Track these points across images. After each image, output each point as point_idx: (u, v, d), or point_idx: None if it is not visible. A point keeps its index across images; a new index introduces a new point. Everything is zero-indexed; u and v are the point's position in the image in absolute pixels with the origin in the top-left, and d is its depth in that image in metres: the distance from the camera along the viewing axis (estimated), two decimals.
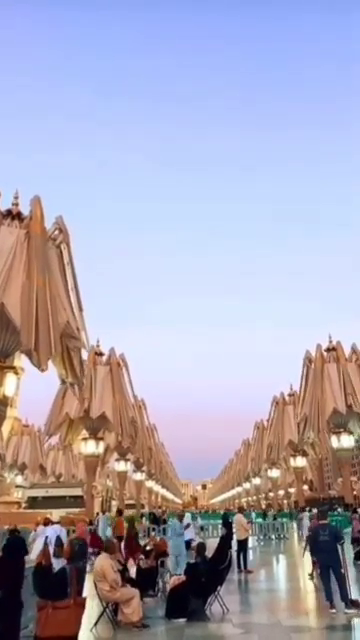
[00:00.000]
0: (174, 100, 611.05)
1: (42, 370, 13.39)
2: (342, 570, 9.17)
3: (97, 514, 28.19)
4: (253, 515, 33.60)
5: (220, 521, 24.78)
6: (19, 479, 50.17)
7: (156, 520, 30.60)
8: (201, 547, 10.40)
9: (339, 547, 9.29)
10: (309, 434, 32.40)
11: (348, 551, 12.35)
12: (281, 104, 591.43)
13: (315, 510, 27.32)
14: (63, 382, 16.86)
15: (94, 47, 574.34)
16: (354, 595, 9.33)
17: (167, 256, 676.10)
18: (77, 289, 15.55)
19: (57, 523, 13.78)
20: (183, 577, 9.60)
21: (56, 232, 15.68)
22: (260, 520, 30.82)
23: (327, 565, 9.24)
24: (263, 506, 59.79)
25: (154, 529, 24.58)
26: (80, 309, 15.45)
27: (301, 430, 33.19)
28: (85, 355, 19.26)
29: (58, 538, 10.52)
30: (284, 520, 30.83)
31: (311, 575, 13.23)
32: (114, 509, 50.23)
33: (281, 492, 62.24)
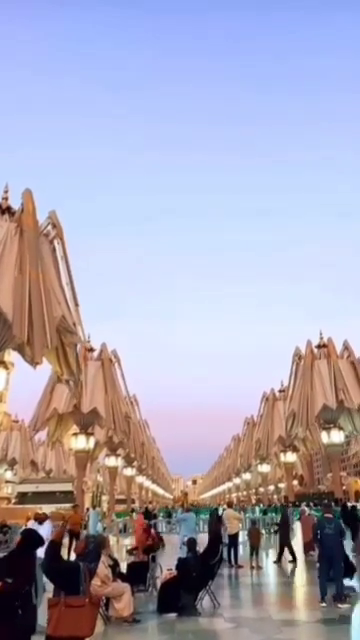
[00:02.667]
0: (175, 95, 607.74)
1: (36, 364, 13.19)
2: (342, 564, 9.22)
3: (87, 509, 28.15)
4: (257, 510, 33.66)
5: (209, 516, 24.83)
6: (8, 474, 49.95)
7: (148, 515, 30.58)
8: (192, 542, 10.40)
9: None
10: (297, 430, 32.48)
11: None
12: (293, 97, 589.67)
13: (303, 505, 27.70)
14: (59, 379, 16.66)
15: (96, 42, 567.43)
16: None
17: (163, 254, 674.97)
18: (72, 284, 15.39)
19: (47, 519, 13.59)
20: (175, 572, 9.60)
21: (49, 227, 15.49)
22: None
23: (329, 558, 9.28)
24: (253, 501, 60.06)
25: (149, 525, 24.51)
26: (76, 304, 15.31)
27: (289, 426, 33.25)
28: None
29: None
30: (274, 515, 31.00)
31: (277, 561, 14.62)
32: (105, 504, 50.31)
33: (271, 487, 62.57)
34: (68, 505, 29.92)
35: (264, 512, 31.64)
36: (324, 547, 9.43)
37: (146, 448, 49.92)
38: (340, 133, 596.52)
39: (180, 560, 9.95)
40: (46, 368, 18.63)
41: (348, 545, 13.38)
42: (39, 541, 5.98)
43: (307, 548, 15.86)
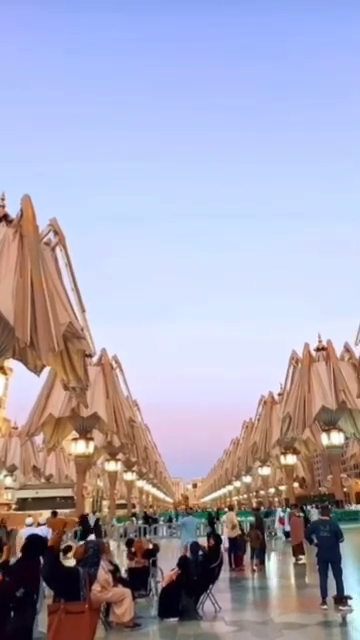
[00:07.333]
0: (175, 96, 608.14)
1: (42, 368, 13.14)
2: (341, 566, 9.19)
3: (87, 515, 28.08)
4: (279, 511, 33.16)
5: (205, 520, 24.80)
6: (8, 480, 49.80)
7: (147, 520, 30.53)
8: (195, 546, 10.38)
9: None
10: (292, 433, 32.39)
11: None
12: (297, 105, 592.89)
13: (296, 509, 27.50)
14: (65, 387, 16.51)
15: (93, 46, 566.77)
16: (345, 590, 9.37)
17: (161, 254, 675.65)
18: (77, 290, 15.38)
19: (43, 525, 13.61)
20: (178, 570, 9.50)
21: (50, 235, 15.48)
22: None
23: (326, 561, 9.26)
24: (254, 504, 60.03)
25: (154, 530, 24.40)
26: (82, 310, 15.29)
27: (284, 429, 33.18)
28: None
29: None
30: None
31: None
32: (105, 509, 50.20)
33: (272, 490, 62.48)
34: (68, 510, 29.84)
35: (265, 514, 31.44)
36: (321, 549, 9.42)
37: (149, 452, 49.90)
38: (338, 136, 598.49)
39: (182, 558, 9.90)
40: (46, 373, 18.47)
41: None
42: (44, 546, 5.90)
43: (296, 551, 15.70)
